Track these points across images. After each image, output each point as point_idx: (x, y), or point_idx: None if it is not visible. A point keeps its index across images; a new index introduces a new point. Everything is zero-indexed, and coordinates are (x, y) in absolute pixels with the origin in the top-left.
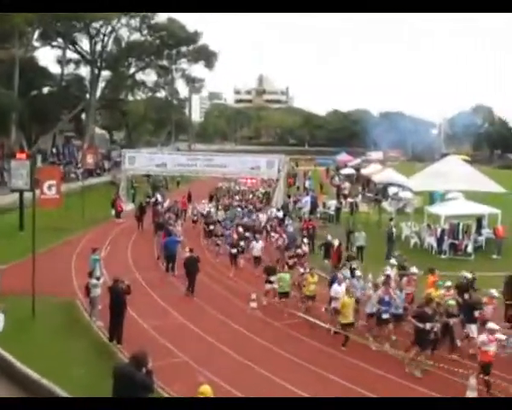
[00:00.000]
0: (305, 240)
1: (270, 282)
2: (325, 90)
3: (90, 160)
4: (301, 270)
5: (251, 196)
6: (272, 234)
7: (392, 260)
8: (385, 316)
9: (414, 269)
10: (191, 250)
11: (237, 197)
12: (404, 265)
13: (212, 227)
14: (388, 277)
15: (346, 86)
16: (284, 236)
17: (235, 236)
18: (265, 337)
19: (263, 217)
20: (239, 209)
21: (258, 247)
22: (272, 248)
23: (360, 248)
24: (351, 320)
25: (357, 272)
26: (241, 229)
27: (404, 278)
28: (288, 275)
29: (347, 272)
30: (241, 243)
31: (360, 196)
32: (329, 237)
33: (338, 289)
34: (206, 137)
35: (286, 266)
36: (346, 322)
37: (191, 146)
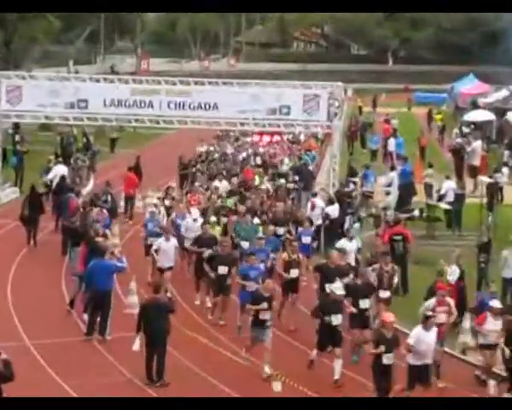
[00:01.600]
0: None
1: None
2: None
3: None
4: None
5: (262, 181)
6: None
7: None
8: None
9: None
10: (156, 289)
11: (235, 180)
12: None
13: (222, 270)
14: None
15: None
16: (451, 302)
17: (391, 318)
18: None
19: (350, 244)
20: (256, 221)
21: (430, 339)
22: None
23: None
24: None
25: None
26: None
27: None
28: None
29: None
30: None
31: (507, 171)
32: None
33: None
34: (172, 44)
35: None
36: None
37: (142, 64)
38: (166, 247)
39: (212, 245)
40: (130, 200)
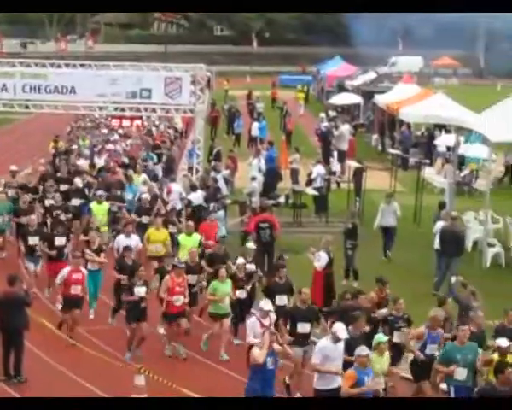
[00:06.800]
0: None
1: None
2: None
3: None
4: None
5: None
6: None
7: None
8: None
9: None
10: (11, 282)
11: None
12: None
13: None
14: None
15: None
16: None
17: None
18: None
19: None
20: None
21: None
22: None
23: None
24: None
25: None
26: None
27: None
28: None
29: None
30: None
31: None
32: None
33: None
34: (26, 24)
35: None
36: None
37: None
38: None
39: None
40: None
